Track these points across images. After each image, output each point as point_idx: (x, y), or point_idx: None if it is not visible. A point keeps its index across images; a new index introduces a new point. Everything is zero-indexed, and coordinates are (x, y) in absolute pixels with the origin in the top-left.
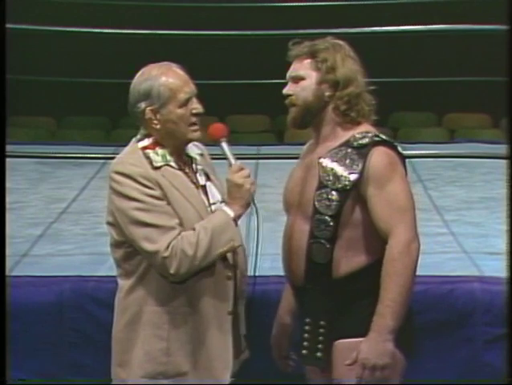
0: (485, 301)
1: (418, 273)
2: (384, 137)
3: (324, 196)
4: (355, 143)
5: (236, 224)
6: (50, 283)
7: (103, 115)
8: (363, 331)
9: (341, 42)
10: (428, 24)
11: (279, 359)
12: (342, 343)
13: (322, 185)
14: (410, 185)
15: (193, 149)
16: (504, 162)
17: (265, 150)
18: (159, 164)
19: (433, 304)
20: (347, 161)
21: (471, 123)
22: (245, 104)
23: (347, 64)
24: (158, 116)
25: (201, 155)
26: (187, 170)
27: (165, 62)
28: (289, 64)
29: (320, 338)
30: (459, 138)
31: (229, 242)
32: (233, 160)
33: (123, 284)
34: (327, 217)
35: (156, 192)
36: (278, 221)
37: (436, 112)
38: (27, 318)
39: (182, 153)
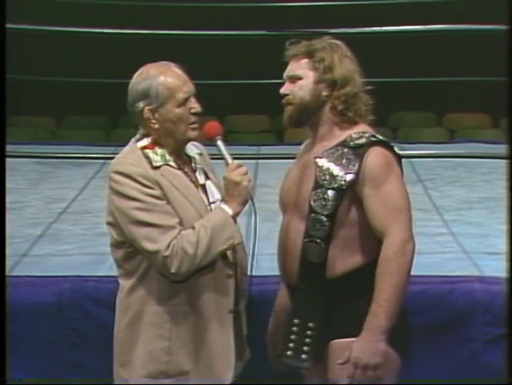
0: (485, 301)
1: (418, 273)
2: (380, 137)
3: (320, 195)
4: (352, 143)
5: (235, 222)
6: (49, 283)
7: (102, 115)
8: (357, 331)
9: (338, 42)
10: (428, 24)
11: (274, 358)
12: (337, 343)
13: (318, 185)
14: (406, 186)
15: (192, 149)
16: (504, 162)
17: (265, 150)
18: (158, 164)
19: (433, 304)
20: (344, 161)
21: (471, 123)
22: (245, 104)
23: (345, 64)
24: (156, 116)
25: (200, 154)
26: (186, 169)
27: (164, 62)
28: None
29: (307, 339)
30: (459, 138)
31: (229, 240)
32: (229, 159)
33: (124, 284)
34: (322, 217)
35: (156, 192)
36: (277, 221)
37: (436, 112)
38: (27, 318)
39: (181, 152)
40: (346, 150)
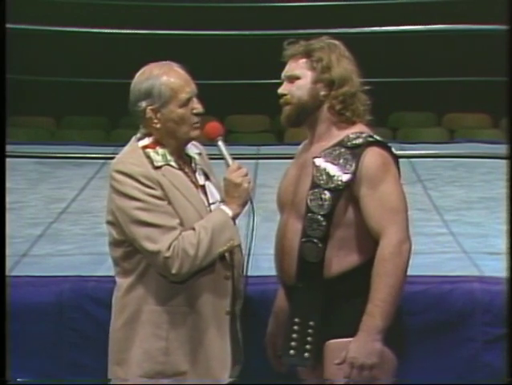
0: (484, 301)
1: (418, 273)
2: (377, 138)
3: (317, 195)
4: (349, 144)
5: (234, 223)
6: (49, 283)
7: (102, 115)
8: (354, 331)
9: (336, 42)
10: (428, 24)
11: (273, 358)
12: (333, 343)
13: (315, 184)
14: (406, 186)
15: (192, 149)
16: (504, 162)
17: (265, 150)
18: (160, 164)
19: (433, 304)
20: (341, 161)
21: (471, 123)
22: (245, 104)
23: (343, 64)
24: (159, 116)
25: (200, 154)
26: (186, 169)
27: (166, 62)
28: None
29: (308, 338)
30: (459, 138)
31: (229, 241)
32: (230, 160)
33: (122, 282)
34: (319, 217)
35: (158, 192)
36: (276, 221)
37: (436, 112)
38: (27, 318)
39: (182, 153)
40: (343, 150)
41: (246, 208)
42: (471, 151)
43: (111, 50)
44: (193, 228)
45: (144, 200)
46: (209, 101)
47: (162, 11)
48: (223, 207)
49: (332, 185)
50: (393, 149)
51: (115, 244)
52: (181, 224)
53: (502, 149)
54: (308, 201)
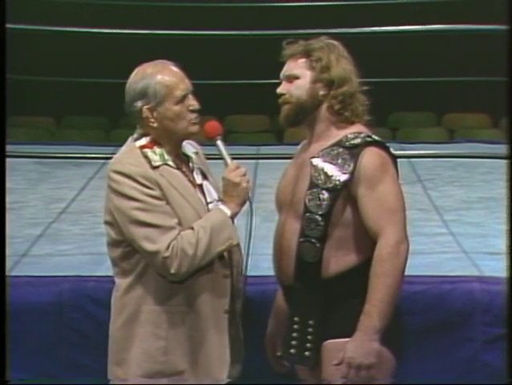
0: (484, 301)
1: (418, 273)
2: (375, 138)
3: (315, 195)
4: (347, 143)
5: (232, 223)
6: (49, 283)
7: (102, 115)
8: (351, 331)
9: (335, 42)
10: (428, 24)
11: (273, 359)
12: (331, 343)
13: (313, 184)
14: (405, 186)
15: (189, 148)
16: (504, 162)
17: (264, 150)
18: (157, 164)
19: (433, 304)
20: (339, 161)
21: (471, 123)
22: (245, 104)
23: (342, 64)
24: (155, 114)
25: (196, 153)
26: (184, 169)
27: (160, 61)
28: None
29: (309, 337)
30: (459, 138)
31: (228, 240)
32: (228, 159)
33: (121, 283)
34: (317, 216)
35: (156, 192)
36: (276, 221)
37: (435, 112)
38: (27, 318)
39: (179, 152)
40: (341, 150)
41: (245, 207)
42: (471, 151)
43: (111, 50)
44: (192, 228)
45: (143, 200)
46: (209, 101)
47: (162, 11)
48: (221, 206)
49: (330, 185)
50: (391, 149)
51: (113, 244)
52: (180, 223)
53: (502, 149)
54: (306, 201)
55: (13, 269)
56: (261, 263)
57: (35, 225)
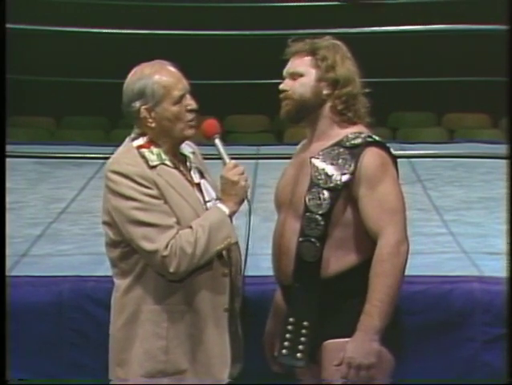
0: (484, 301)
1: (418, 273)
2: (376, 138)
3: (315, 194)
4: (348, 143)
5: (231, 221)
6: (49, 283)
7: (102, 115)
8: (351, 331)
9: (339, 43)
10: (428, 24)
11: (271, 359)
12: (331, 344)
13: (313, 184)
14: (405, 186)
15: (186, 148)
16: (504, 162)
17: (264, 150)
18: (155, 163)
19: (433, 304)
20: (340, 161)
21: (471, 123)
22: (245, 104)
23: (346, 64)
24: (153, 115)
25: (193, 153)
26: (182, 168)
27: (157, 61)
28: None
29: (302, 338)
30: (458, 138)
31: (226, 239)
32: (226, 158)
33: (120, 283)
34: (317, 216)
35: (154, 192)
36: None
37: (435, 112)
38: (27, 318)
39: (177, 151)
40: (342, 150)
41: (244, 207)
42: (471, 151)
43: (111, 50)
44: (190, 227)
45: (141, 200)
46: (209, 101)
47: (162, 11)
48: (220, 205)
49: (331, 185)
50: (392, 149)
51: (111, 244)
52: (178, 222)
53: (502, 149)
54: (306, 201)
55: (13, 269)
56: (260, 263)
57: (35, 225)
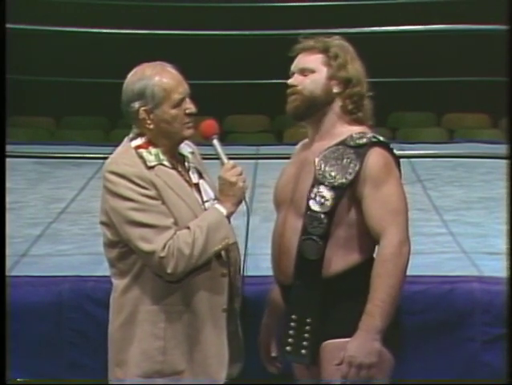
0: (484, 301)
1: (418, 273)
2: (381, 138)
3: (319, 193)
4: (353, 143)
5: (229, 222)
6: (49, 283)
7: (102, 115)
8: (351, 330)
9: (347, 43)
10: (428, 24)
11: (267, 360)
12: (331, 343)
13: (317, 183)
14: (405, 186)
15: (185, 148)
16: (503, 162)
17: (264, 150)
18: (153, 164)
19: (433, 304)
20: (344, 160)
21: (470, 123)
22: (245, 104)
23: (355, 65)
24: (152, 116)
25: (192, 153)
26: (180, 168)
27: (159, 62)
28: (290, 62)
29: (306, 335)
30: (458, 138)
31: (224, 240)
32: (224, 158)
33: (118, 283)
34: (320, 215)
35: (151, 192)
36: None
37: (435, 112)
38: (27, 318)
39: (175, 152)
40: (347, 149)
41: (243, 207)
42: (470, 151)
43: (111, 50)
44: (188, 228)
45: (138, 201)
46: (209, 101)
47: (162, 11)
48: (218, 205)
49: (335, 184)
50: (395, 151)
51: (109, 245)
52: (176, 223)
53: (502, 149)
54: (309, 199)
55: (13, 269)
56: (260, 263)
57: (35, 225)
